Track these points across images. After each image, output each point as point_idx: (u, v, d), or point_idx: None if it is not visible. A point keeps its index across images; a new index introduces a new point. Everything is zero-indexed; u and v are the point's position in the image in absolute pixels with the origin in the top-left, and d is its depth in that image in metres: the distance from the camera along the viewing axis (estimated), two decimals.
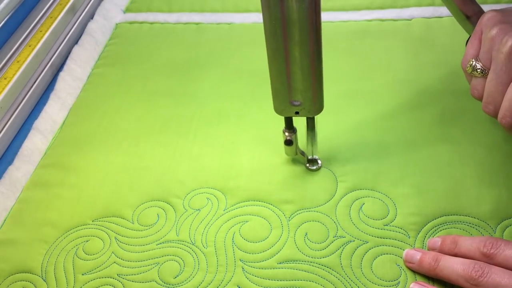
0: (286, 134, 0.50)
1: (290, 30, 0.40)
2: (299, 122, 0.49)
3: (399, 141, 0.54)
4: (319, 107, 0.46)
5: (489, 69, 0.44)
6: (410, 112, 0.57)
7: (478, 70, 0.45)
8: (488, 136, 0.54)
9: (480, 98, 0.46)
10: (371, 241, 0.47)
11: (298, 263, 0.46)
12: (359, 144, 0.55)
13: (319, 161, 0.53)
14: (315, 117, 0.48)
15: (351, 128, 0.56)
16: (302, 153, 0.52)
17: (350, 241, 0.47)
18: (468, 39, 0.47)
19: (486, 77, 0.44)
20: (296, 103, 0.45)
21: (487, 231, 0.46)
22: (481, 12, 0.49)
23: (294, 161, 0.54)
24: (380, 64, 0.64)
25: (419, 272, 0.44)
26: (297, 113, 0.46)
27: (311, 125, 0.49)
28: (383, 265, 0.45)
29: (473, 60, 0.45)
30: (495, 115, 0.44)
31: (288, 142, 0.50)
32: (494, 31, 0.43)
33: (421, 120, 0.56)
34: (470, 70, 0.45)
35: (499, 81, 0.42)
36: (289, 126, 0.49)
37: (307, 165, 0.52)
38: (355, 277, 0.44)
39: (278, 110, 0.47)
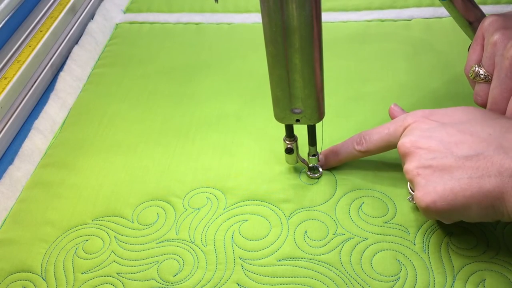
0: (287, 142, 0.49)
1: (290, 37, 0.39)
2: (300, 129, 0.49)
3: None
4: (320, 115, 0.45)
5: (492, 75, 0.43)
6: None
7: (481, 76, 0.44)
8: None
9: (483, 105, 0.45)
10: (371, 238, 0.47)
11: (298, 260, 0.46)
12: None
13: (320, 169, 0.52)
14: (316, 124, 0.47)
15: (351, 129, 0.56)
16: (303, 161, 0.51)
17: (350, 238, 0.47)
18: (470, 45, 0.47)
19: (490, 83, 0.43)
20: (297, 110, 0.45)
21: (487, 228, 0.46)
22: (483, 17, 0.48)
23: None
24: (380, 65, 0.64)
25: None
26: (297, 120, 0.45)
27: (312, 132, 0.48)
28: (383, 261, 0.45)
29: (476, 66, 0.44)
30: None
31: (288, 151, 0.49)
32: (496, 36, 0.42)
33: None
34: (473, 76, 0.44)
35: (504, 87, 0.42)
36: (290, 134, 0.48)
37: (308, 173, 0.52)
38: (355, 273, 0.44)
39: (278, 118, 0.46)
